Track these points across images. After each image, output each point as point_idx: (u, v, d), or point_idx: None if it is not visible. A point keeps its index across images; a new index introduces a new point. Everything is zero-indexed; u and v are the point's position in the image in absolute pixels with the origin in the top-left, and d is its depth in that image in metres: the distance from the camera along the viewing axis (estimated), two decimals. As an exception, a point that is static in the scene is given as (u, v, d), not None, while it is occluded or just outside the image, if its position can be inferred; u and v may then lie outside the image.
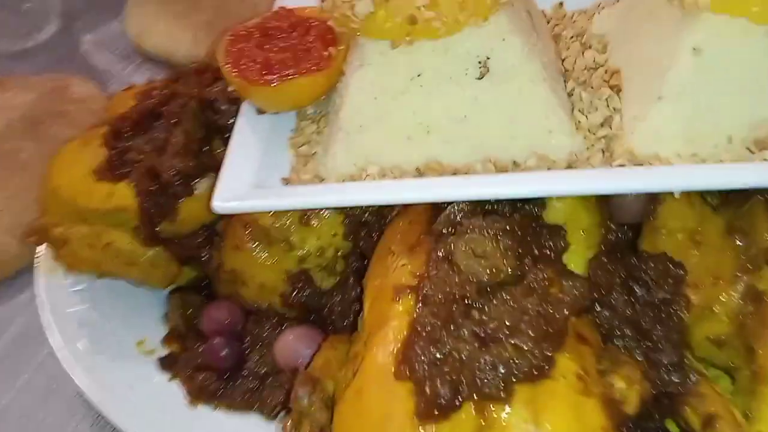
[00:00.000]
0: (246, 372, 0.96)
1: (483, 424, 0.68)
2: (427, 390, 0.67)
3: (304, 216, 0.94)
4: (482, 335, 0.71)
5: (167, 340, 1.03)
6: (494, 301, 0.73)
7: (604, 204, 0.90)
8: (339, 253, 0.96)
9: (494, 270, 0.75)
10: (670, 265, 0.83)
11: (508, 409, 0.68)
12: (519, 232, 0.80)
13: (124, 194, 0.97)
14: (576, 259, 0.84)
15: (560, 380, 0.70)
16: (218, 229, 1.01)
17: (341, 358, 0.80)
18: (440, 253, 0.77)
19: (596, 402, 0.70)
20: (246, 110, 0.94)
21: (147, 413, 0.93)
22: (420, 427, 0.67)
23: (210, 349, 0.96)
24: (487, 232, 0.78)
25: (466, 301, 0.73)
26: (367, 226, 0.94)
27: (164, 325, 1.04)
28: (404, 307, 0.75)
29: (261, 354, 0.96)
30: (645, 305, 0.83)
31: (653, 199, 0.90)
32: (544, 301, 0.73)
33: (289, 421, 0.74)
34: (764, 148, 0.80)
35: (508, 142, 0.86)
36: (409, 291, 0.76)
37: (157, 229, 0.99)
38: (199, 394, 0.95)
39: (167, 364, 0.99)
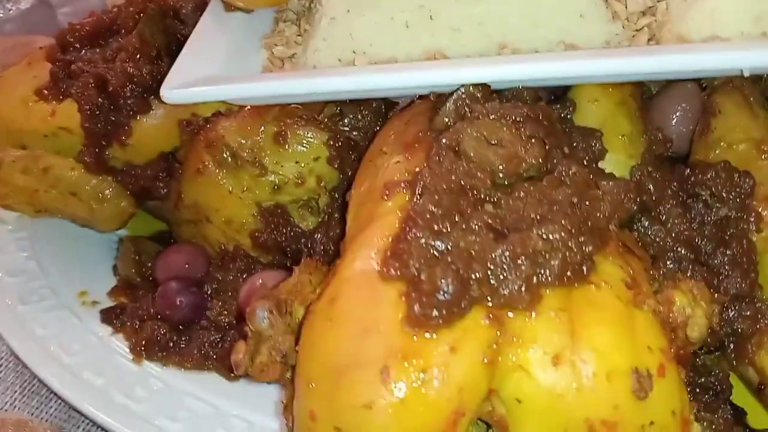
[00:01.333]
0: (205, 323, 0.78)
1: (498, 335, 0.50)
2: (423, 286, 0.49)
3: (280, 133, 0.78)
4: (498, 228, 0.53)
5: (115, 291, 0.86)
6: (515, 194, 0.56)
7: (647, 113, 0.75)
8: (322, 184, 0.80)
9: (513, 160, 0.59)
10: (735, 175, 0.66)
11: (533, 316, 0.50)
12: (545, 122, 0.63)
13: (67, 113, 0.82)
14: (617, 168, 0.67)
15: (603, 286, 0.53)
16: (179, 157, 0.85)
17: (318, 283, 0.62)
18: (445, 142, 0.60)
19: (650, 316, 0.52)
20: (214, 6, 0.79)
21: (83, 372, 0.75)
22: (414, 336, 0.49)
23: (163, 294, 0.79)
24: (505, 119, 0.61)
25: (476, 194, 0.56)
26: (356, 149, 0.78)
27: (113, 277, 0.87)
28: (396, 204, 0.58)
29: (224, 302, 0.79)
30: (704, 224, 0.66)
31: (707, 111, 0.74)
32: (579, 195, 0.56)
33: (243, 347, 0.56)
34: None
35: (530, 30, 0.71)
36: (403, 186, 0.59)
37: (106, 154, 0.83)
38: (145, 349, 0.77)
39: (111, 316, 0.81)
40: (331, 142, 0.78)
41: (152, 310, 0.80)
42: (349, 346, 0.51)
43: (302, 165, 0.78)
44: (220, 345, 0.76)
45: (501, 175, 0.58)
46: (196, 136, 0.81)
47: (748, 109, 0.73)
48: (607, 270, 0.54)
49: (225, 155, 0.79)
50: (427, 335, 0.49)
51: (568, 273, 0.52)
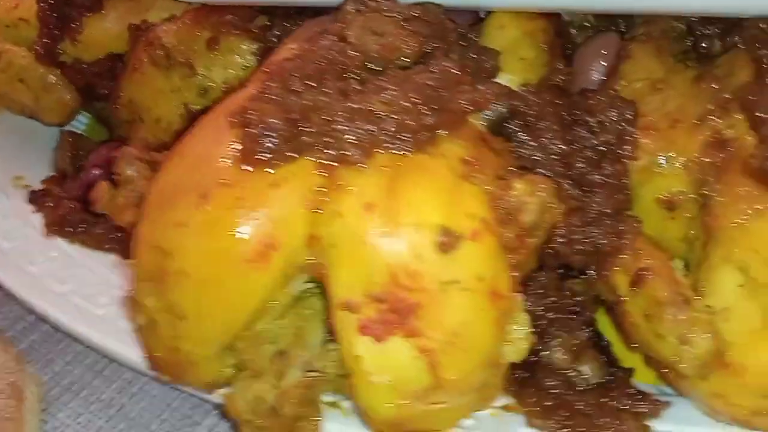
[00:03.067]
0: (117, 209, 0.82)
1: (325, 184, 0.53)
2: (255, 126, 0.53)
3: (214, 38, 0.82)
4: (352, 95, 0.57)
5: (49, 180, 0.91)
6: (380, 77, 0.59)
7: (560, 48, 0.77)
8: (250, 96, 0.84)
9: (389, 48, 0.62)
10: (619, 103, 0.68)
11: (366, 174, 0.53)
12: (441, 31, 0.66)
13: (28, 5, 0.90)
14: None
15: (438, 158, 0.55)
16: (125, 59, 0.90)
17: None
18: (331, 27, 0.64)
19: (480, 191, 0.55)
20: None
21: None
22: (240, 171, 0.52)
23: (83, 179, 0.83)
24: (394, 15, 0.65)
25: (344, 69, 0.60)
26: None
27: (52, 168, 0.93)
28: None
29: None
30: (584, 149, 0.68)
31: (620, 56, 0.76)
32: (440, 82, 0.59)
33: (105, 186, 0.60)
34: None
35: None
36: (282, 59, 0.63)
37: (58, 48, 0.89)
38: (57, 225, 0.81)
39: (36, 197, 0.87)
40: (260, 53, 0.82)
41: (73, 194, 0.85)
42: (182, 175, 0.55)
43: (230, 71, 0.83)
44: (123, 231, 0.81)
45: (374, 59, 0.61)
46: (140, 37, 0.86)
47: (657, 56, 0.74)
48: (449, 147, 0.57)
49: (160, 54, 0.84)
50: (253, 171, 0.53)
51: (403, 137, 0.55)
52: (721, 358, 0.57)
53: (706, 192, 0.63)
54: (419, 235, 0.51)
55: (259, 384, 0.57)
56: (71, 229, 0.82)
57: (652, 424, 0.63)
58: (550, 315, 0.68)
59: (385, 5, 0.66)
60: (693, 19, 0.77)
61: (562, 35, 0.85)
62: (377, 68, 0.61)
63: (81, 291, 0.74)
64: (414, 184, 0.53)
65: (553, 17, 0.79)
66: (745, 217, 0.59)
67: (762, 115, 0.61)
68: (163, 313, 0.55)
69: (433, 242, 0.51)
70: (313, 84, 0.57)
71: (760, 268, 0.57)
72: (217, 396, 0.60)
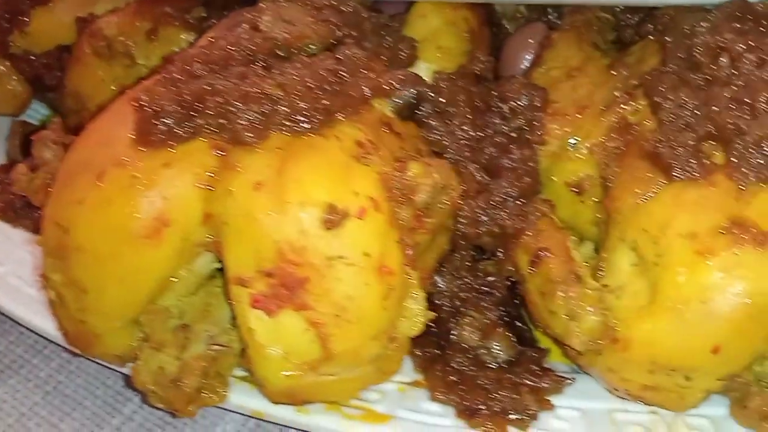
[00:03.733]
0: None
1: (220, 164, 0.56)
2: (150, 107, 0.55)
3: (153, 29, 0.85)
4: (249, 79, 0.59)
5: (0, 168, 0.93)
6: (286, 64, 0.62)
7: (486, 37, 0.80)
8: (188, 83, 0.86)
9: (297, 35, 0.64)
10: (530, 89, 0.70)
11: (256, 155, 0.56)
12: (354, 20, 0.69)
13: (-18, -1, 0.92)
14: (424, 74, 0.72)
15: (331, 139, 0.58)
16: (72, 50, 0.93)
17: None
18: (244, 16, 0.66)
19: (373, 171, 0.57)
20: None
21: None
22: (136, 152, 0.55)
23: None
24: (306, 4, 0.67)
25: (251, 56, 0.62)
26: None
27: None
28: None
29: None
30: (496, 134, 0.70)
31: (543, 45, 0.79)
32: (344, 67, 0.61)
33: (24, 168, 0.63)
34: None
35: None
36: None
37: (9, 40, 0.92)
38: (1, 211, 0.84)
39: (-13, 183, 0.90)
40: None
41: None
42: (85, 154, 0.57)
43: (168, 60, 0.85)
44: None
45: (281, 47, 0.64)
46: (85, 29, 0.89)
47: (577, 45, 0.77)
48: (345, 130, 0.59)
49: (102, 45, 0.86)
50: (147, 152, 0.55)
51: (296, 119, 0.57)
52: (612, 334, 0.59)
53: (608, 175, 0.65)
54: (305, 212, 0.54)
55: (162, 356, 0.59)
56: (13, 214, 0.85)
57: (555, 399, 0.65)
58: (463, 295, 0.70)
59: (298, -4, 0.68)
60: (618, 9, 0.80)
61: (494, 25, 0.88)
62: (284, 55, 0.64)
63: (18, 272, 0.77)
64: (304, 163, 0.55)
65: (480, 7, 0.81)
66: (638, 199, 0.61)
67: (659, 99, 0.63)
68: (68, 288, 0.58)
69: (318, 219, 0.53)
70: (215, 69, 0.60)
71: (648, 248, 0.58)
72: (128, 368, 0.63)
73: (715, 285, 0.54)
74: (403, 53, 0.72)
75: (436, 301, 0.71)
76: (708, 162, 0.58)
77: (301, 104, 0.57)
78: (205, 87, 0.57)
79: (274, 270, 0.54)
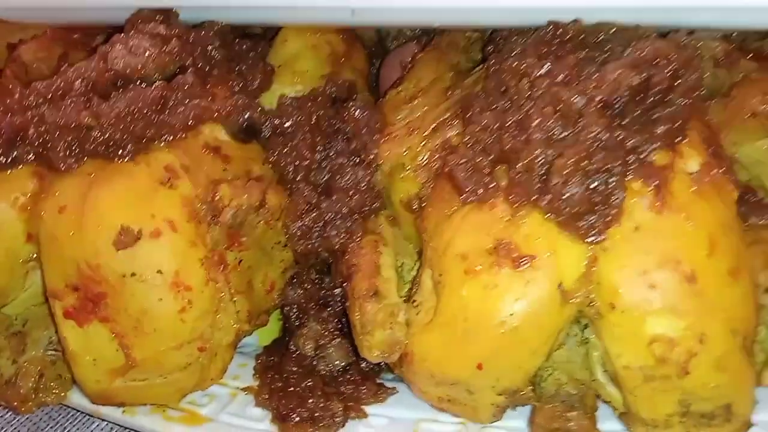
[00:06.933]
0: None
1: (40, 189, 0.64)
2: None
3: (63, 54, 0.94)
4: (82, 107, 0.66)
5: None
6: (120, 94, 0.69)
7: (353, 59, 0.85)
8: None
9: (135, 66, 0.71)
10: (369, 113, 0.75)
11: (66, 180, 0.63)
12: (200, 49, 0.75)
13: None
14: (271, 98, 0.77)
15: (141, 165, 0.64)
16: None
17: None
18: (101, 49, 0.74)
19: (176, 195, 0.63)
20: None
21: None
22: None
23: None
24: (154, 36, 0.74)
25: (93, 86, 0.69)
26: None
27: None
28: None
29: None
30: (338, 154, 0.75)
31: (406, 65, 0.83)
32: (169, 92, 0.68)
33: None
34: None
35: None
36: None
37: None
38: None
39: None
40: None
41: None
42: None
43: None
44: None
45: (123, 76, 0.71)
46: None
47: (434, 65, 0.80)
48: (159, 156, 0.65)
49: (20, 69, 0.96)
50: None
51: (110, 147, 0.64)
52: (403, 348, 0.64)
53: (423, 195, 0.70)
54: (98, 233, 0.60)
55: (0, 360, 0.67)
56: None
57: (375, 408, 0.70)
58: (304, 306, 0.76)
59: (151, 28, 0.75)
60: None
61: (382, 45, 0.93)
62: (122, 84, 0.71)
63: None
64: (107, 188, 0.62)
65: (349, 29, 0.86)
66: (440, 219, 0.65)
67: (466, 122, 0.67)
68: None
69: (110, 239, 0.60)
70: (55, 98, 0.67)
71: (436, 266, 0.63)
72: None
73: (475, 304, 0.58)
74: (257, 79, 0.78)
75: (286, 311, 0.77)
76: (494, 185, 0.62)
77: (115, 132, 0.64)
78: (28, 118, 0.65)
79: (78, 285, 0.61)
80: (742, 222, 0.65)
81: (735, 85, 0.73)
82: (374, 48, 0.94)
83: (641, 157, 0.57)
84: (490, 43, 0.77)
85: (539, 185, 0.58)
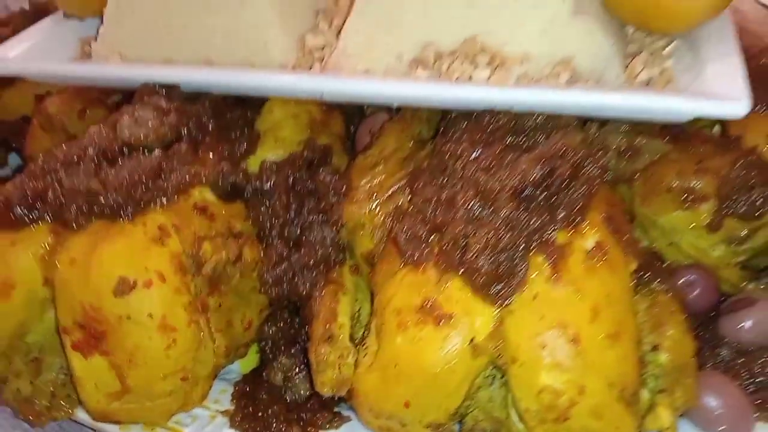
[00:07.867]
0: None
1: (55, 241, 0.78)
2: (7, 197, 0.78)
3: (83, 109, 1.09)
4: (93, 174, 0.80)
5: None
6: (125, 161, 0.83)
7: (331, 124, 0.98)
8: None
9: (138, 135, 0.85)
10: (336, 178, 0.88)
11: (77, 236, 0.77)
12: (195, 120, 0.89)
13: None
14: (254, 162, 0.91)
15: (138, 225, 0.78)
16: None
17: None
18: (110, 118, 0.88)
19: (166, 251, 0.77)
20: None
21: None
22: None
23: None
24: (157, 108, 0.88)
25: (104, 152, 0.84)
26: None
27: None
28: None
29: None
30: (309, 213, 0.89)
31: (375, 133, 0.96)
32: (170, 163, 0.82)
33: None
34: (424, 67, 0.84)
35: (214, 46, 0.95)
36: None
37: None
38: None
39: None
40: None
41: None
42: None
43: (96, 135, 1.09)
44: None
45: (129, 144, 0.85)
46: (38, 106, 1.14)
47: (398, 134, 0.93)
48: (154, 217, 0.79)
49: (45, 120, 1.11)
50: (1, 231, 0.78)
51: (113, 209, 0.78)
52: (349, 385, 0.77)
53: (375, 253, 0.83)
54: (100, 281, 0.74)
55: (20, 380, 0.81)
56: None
57: (330, 432, 0.83)
58: (277, 342, 0.89)
59: (154, 100, 0.89)
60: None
61: (360, 109, 1.06)
62: (128, 152, 0.85)
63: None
64: (109, 245, 0.76)
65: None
66: (385, 276, 0.78)
67: (412, 194, 0.80)
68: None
69: (110, 287, 0.74)
70: (73, 163, 0.82)
71: (379, 317, 0.75)
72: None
73: (405, 353, 0.71)
74: (243, 145, 0.91)
75: (262, 346, 0.91)
76: (428, 251, 0.75)
77: (118, 197, 0.78)
78: (48, 182, 0.79)
79: (84, 324, 0.75)
80: (647, 285, 0.77)
81: (653, 163, 0.85)
82: (355, 110, 1.07)
83: (543, 236, 0.70)
84: (443, 119, 0.90)
85: (459, 256, 0.71)
